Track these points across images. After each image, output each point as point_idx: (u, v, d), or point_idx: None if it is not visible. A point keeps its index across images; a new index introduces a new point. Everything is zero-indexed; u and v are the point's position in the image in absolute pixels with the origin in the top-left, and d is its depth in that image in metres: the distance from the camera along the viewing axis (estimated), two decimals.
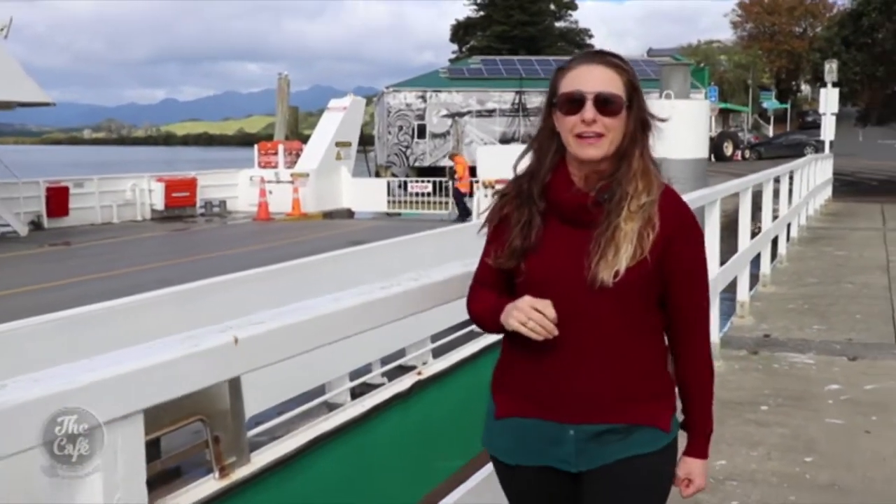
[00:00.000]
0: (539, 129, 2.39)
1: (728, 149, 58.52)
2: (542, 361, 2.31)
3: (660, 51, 67.97)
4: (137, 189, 24.55)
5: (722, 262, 8.28)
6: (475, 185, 24.36)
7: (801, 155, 35.03)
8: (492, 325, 2.36)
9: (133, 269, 15.22)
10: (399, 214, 27.83)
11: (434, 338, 8.64)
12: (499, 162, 20.81)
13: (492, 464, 2.57)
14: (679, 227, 2.32)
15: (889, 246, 16.07)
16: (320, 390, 7.26)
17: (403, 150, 49.43)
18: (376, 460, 6.99)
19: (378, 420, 7.07)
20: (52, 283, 13.70)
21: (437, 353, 8.66)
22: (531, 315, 2.20)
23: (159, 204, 24.65)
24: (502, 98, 50.44)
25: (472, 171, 26.49)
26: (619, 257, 2.19)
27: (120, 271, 14.98)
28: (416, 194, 28.62)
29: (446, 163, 27.92)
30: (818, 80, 38.48)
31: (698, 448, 2.50)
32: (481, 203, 21.58)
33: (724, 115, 68.03)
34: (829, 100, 30.25)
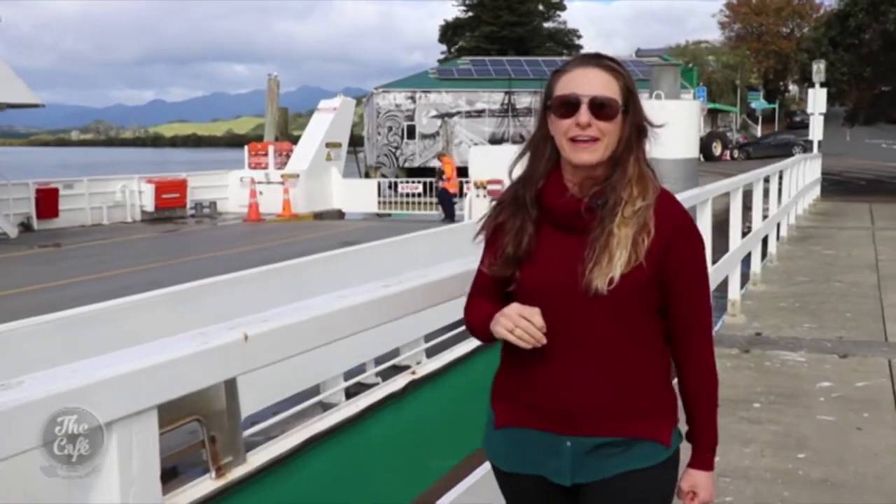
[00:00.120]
0: (533, 133, 2.35)
1: (717, 149, 58.69)
2: (538, 371, 2.28)
3: (648, 51, 68.20)
4: (127, 190, 24.54)
5: (713, 262, 8.33)
6: (467, 186, 24.41)
7: (790, 155, 35.17)
8: (485, 334, 2.32)
9: (124, 271, 15.19)
10: (389, 215, 27.87)
11: (427, 338, 8.66)
12: (490, 162, 20.88)
13: (487, 463, 2.54)
14: (676, 231, 2.27)
15: (878, 245, 16.16)
16: (315, 390, 7.28)
17: (393, 150, 49.47)
18: (371, 459, 7.00)
19: (372, 420, 7.07)
20: (43, 284, 13.67)
21: (431, 352, 8.67)
22: (518, 322, 2.17)
23: (149, 205, 24.64)
24: (492, 98, 50.54)
25: (461, 171, 26.55)
26: (613, 264, 2.15)
27: (111, 273, 14.94)
28: (407, 195, 28.66)
29: (436, 163, 27.98)
30: (806, 81, 38.58)
31: (703, 460, 2.42)
32: (474, 203, 21.61)
33: (712, 115, 68.22)
34: (817, 100, 30.37)
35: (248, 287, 6.63)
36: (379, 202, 28.31)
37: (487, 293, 2.38)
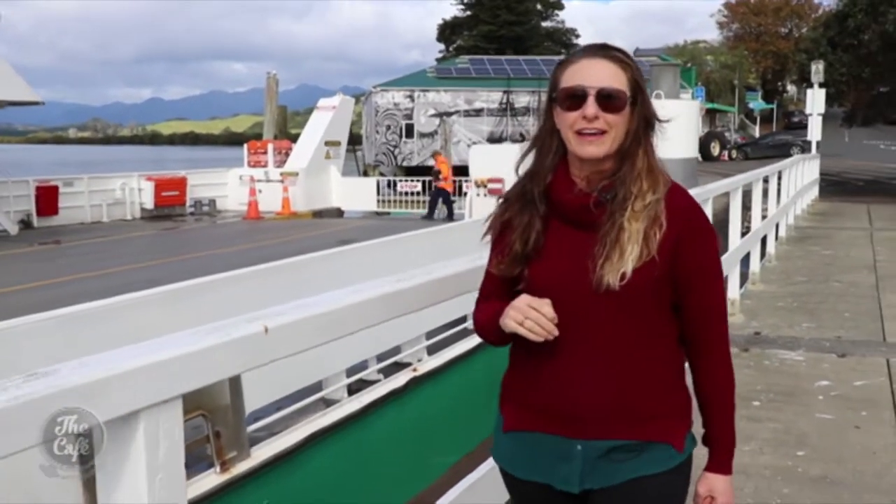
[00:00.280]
0: (539, 127, 2.26)
1: (715, 149, 58.80)
2: (547, 370, 2.20)
3: (647, 51, 68.13)
4: (127, 188, 24.59)
5: None
6: (467, 185, 24.48)
7: (788, 155, 35.24)
8: (494, 332, 2.22)
9: (124, 268, 15.24)
10: (388, 214, 27.91)
11: (429, 335, 8.72)
12: (491, 161, 20.93)
13: (489, 460, 2.53)
14: (689, 225, 2.17)
15: (875, 245, 16.20)
16: (318, 387, 7.33)
17: (391, 149, 49.54)
18: (373, 455, 7.05)
19: (375, 416, 7.13)
20: (43, 281, 13.73)
21: (432, 350, 8.73)
22: (528, 314, 2.08)
23: (149, 203, 24.69)
24: (490, 97, 50.62)
25: (458, 170, 26.66)
26: (624, 259, 2.06)
27: (110, 270, 15.01)
28: (405, 193, 28.69)
29: (433, 162, 28.11)
30: (804, 81, 38.61)
31: (721, 463, 2.33)
32: (474, 202, 21.67)
33: (710, 115, 68.32)
34: (815, 100, 30.44)
35: (249, 285, 6.66)
36: (378, 201, 28.35)
37: (496, 296, 2.28)
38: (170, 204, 25.18)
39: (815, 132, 30.71)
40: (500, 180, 19.53)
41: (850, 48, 33.99)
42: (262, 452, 5.81)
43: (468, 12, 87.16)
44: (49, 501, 3.53)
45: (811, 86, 31.22)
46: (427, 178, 27.86)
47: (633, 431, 2.17)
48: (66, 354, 1.66)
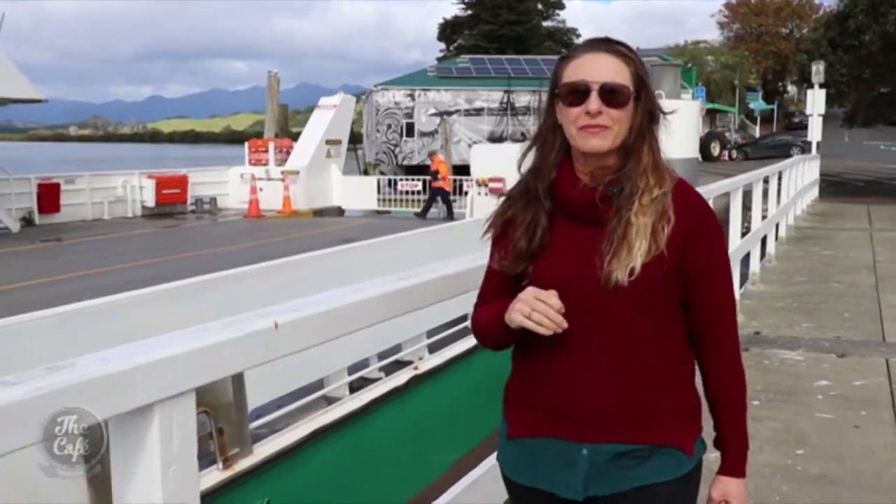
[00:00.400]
0: (541, 124, 2.22)
1: (715, 149, 58.84)
2: (553, 372, 2.14)
3: (647, 51, 68.10)
4: (128, 186, 24.63)
5: None
6: (468, 184, 24.56)
7: (788, 155, 35.30)
8: (497, 332, 2.17)
9: (125, 266, 15.26)
10: (389, 212, 27.96)
11: (429, 334, 8.76)
12: (492, 160, 21.00)
13: (490, 458, 2.54)
14: (696, 220, 2.13)
15: (875, 246, 16.22)
16: (319, 384, 7.37)
17: (392, 148, 49.58)
18: (375, 452, 7.08)
19: (376, 413, 7.16)
20: (44, 279, 13.78)
21: (433, 348, 8.77)
22: (535, 306, 2.01)
23: (150, 201, 24.73)
24: (490, 97, 50.65)
25: (458, 169, 26.81)
26: (633, 254, 2.02)
27: (112, 267, 15.05)
28: (406, 192, 28.73)
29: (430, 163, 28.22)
30: (805, 82, 38.66)
31: (734, 466, 2.26)
32: (475, 201, 21.73)
33: (710, 115, 68.33)
34: (816, 101, 30.44)
35: (251, 282, 6.69)
36: (378, 199, 28.41)
37: (496, 297, 2.22)
38: (171, 202, 25.23)
39: (815, 133, 30.73)
40: (501, 179, 19.64)
41: (851, 49, 34.02)
42: (265, 449, 5.84)
43: (469, 12, 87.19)
44: (53, 500, 3.57)
45: (812, 86, 31.24)
46: (428, 178, 27.93)
47: (641, 434, 2.11)
48: (69, 351, 1.69)
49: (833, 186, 34.69)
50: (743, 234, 10.98)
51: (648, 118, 2.14)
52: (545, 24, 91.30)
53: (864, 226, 20.40)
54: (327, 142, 27.31)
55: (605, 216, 2.09)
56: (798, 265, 14.02)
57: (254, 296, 5.84)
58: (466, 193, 24.45)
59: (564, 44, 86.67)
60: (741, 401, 2.26)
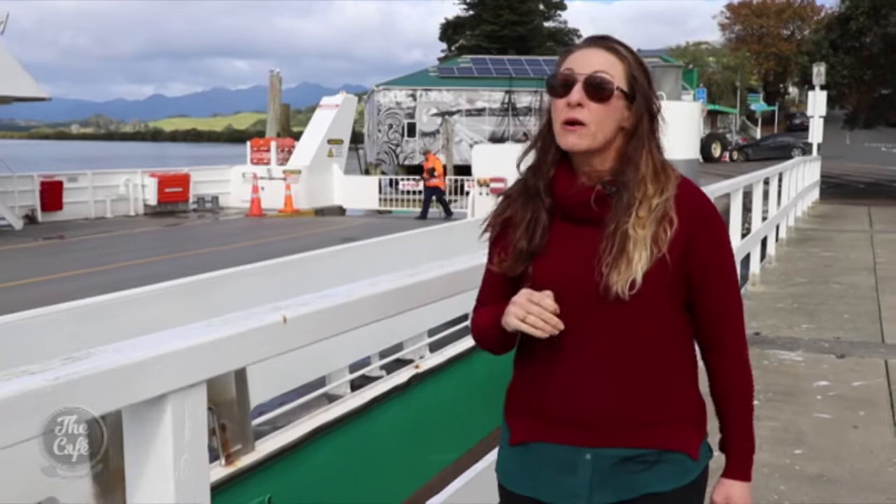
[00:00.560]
0: (541, 124, 2.15)
1: (716, 150, 58.88)
2: (554, 376, 2.09)
3: (648, 52, 68.16)
4: (131, 184, 24.70)
5: None
6: (469, 184, 24.63)
7: (789, 157, 35.32)
8: (496, 335, 2.12)
9: (127, 264, 15.28)
10: (390, 212, 28.02)
11: (430, 333, 8.79)
12: (493, 160, 21.02)
13: (489, 456, 2.53)
14: (700, 221, 2.07)
15: (876, 248, 16.23)
16: (321, 382, 7.41)
17: (393, 148, 49.64)
18: (376, 450, 7.12)
19: (377, 411, 7.20)
20: (47, 276, 13.81)
21: (434, 347, 8.81)
22: (530, 309, 1.96)
23: (152, 199, 24.80)
24: (492, 97, 50.70)
25: (460, 169, 26.86)
26: (632, 268, 1.95)
27: (114, 265, 15.08)
28: (407, 192, 28.77)
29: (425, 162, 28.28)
30: (806, 83, 38.71)
31: (739, 468, 2.19)
32: (476, 200, 21.78)
33: (712, 116, 68.33)
34: (817, 103, 30.42)
35: (253, 280, 6.73)
36: (379, 199, 28.46)
37: (495, 299, 2.15)
38: (173, 200, 25.28)
39: (816, 134, 30.71)
40: (502, 179, 19.66)
41: (852, 50, 34.06)
42: (266, 446, 5.88)
43: (471, 12, 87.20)
44: (59, 493, 3.61)
45: (813, 88, 31.22)
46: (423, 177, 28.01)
47: (645, 438, 2.05)
48: (81, 346, 1.72)
49: (834, 188, 34.71)
50: (743, 236, 11.01)
51: (648, 121, 2.07)
52: (547, 24, 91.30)
53: (865, 227, 20.42)
54: (329, 141, 27.35)
55: (604, 216, 2.02)
56: (798, 266, 14.04)
57: (257, 293, 5.87)
58: (468, 193, 24.48)
59: (566, 44, 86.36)
60: (748, 403, 2.21)
